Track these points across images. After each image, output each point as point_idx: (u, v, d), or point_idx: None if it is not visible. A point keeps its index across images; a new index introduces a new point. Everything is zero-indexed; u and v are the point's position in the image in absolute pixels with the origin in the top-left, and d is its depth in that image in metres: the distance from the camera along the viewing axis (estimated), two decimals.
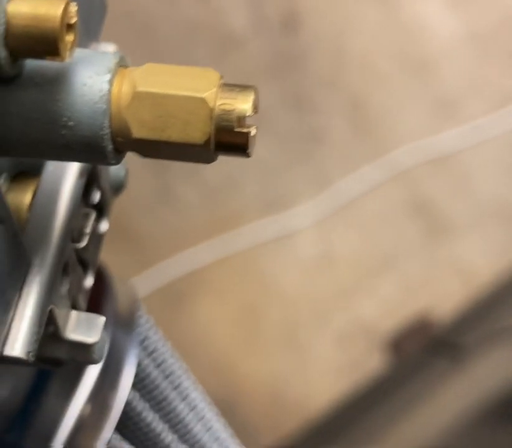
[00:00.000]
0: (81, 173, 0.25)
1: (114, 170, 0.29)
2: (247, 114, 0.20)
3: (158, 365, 0.33)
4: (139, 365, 0.32)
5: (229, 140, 0.20)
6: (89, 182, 0.26)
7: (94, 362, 0.24)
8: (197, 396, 0.34)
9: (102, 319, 0.24)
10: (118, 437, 0.31)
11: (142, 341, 0.32)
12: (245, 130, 0.20)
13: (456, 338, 1.01)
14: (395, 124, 1.15)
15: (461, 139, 1.13)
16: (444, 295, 1.07)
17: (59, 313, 0.23)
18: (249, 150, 0.21)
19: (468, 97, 1.16)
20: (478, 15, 1.19)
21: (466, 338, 0.99)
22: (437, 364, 0.97)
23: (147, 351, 0.32)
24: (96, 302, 0.30)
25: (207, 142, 0.20)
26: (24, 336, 0.22)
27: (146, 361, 0.32)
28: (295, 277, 1.08)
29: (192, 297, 1.05)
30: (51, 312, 0.23)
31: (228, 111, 0.20)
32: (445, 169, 1.13)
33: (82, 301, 0.26)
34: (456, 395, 0.91)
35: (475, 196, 1.12)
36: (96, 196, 0.27)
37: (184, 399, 0.33)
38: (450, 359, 0.95)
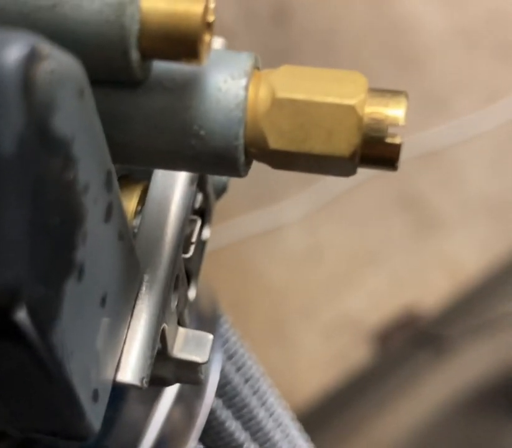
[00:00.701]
0: (192, 180, 0.23)
1: None
2: (400, 124, 0.18)
3: (239, 369, 0.31)
4: (221, 370, 0.30)
5: (378, 152, 0.18)
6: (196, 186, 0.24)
7: (199, 382, 0.22)
8: (274, 400, 0.33)
9: (210, 337, 0.22)
10: (200, 447, 0.29)
11: (223, 343, 0.31)
12: (397, 141, 0.18)
13: (441, 331, 1.01)
14: None
15: (449, 134, 1.13)
16: (431, 289, 1.07)
17: (169, 331, 0.21)
18: (397, 163, 0.19)
19: (456, 92, 1.15)
20: (466, 11, 1.18)
21: (450, 330, 1.00)
22: (421, 356, 0.97)
23: (228, 355, 0.31)
24: None
25: (354, 154, 0.18)
26: (137, 361, 0.20)
27: (228, 366, 0.31)
28: (283, 270, 1.07)
29: None
30: (162, 332, 0.21)
31: (379, 120, 0.18)
32: (433, 164, 1.13)
33: (187, 315, 0.24)
34: (439, 386, 0.91)
35: (463, 192, 1.12)
36: (199, 201, 0.25)
37: (263, 404, 0.32)
38: (433, 352, 0.96)
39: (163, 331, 0.21)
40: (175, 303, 0.22)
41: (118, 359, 0.20)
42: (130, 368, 0.20)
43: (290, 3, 1.14)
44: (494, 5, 1.19)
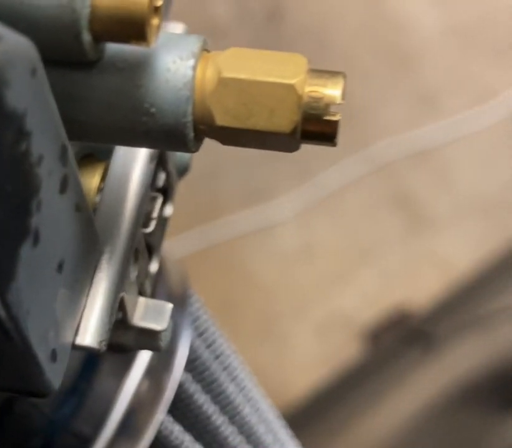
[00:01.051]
0: (152, 157, 0.24)
1: (180, 153, 0.28)
2: (337, 102, 0.20)
3: (208, 346, 0.32)
4: (190, 346, 0.31)
5: (317, 128, 0.20)
6: (156, 165, 0.25)
7: (160, 349, 0.24)
8: (245, 376, 0.34)
9: (170, 306, 0.24)
10: (170, 419, 0.30)
11: (194, 321, 0.32)
12: (334, 118, 0.20)
13: (431, 329, 1.02)
14: (377, 118, 1.15)
15: (442, 133, 1.14)
16: (423, 288, 1.08)
17: (128, 300, 0.23)
18: (336, 139, 0.20)
19: (449, 91, 1.16)
20: (460, 10, 1.19)
21: (440, 328, 1.00)
22: (412, 354, 0.98)
23: (198, 331, 0.32)
24: None
25: (294, 130, 0.20)
26: (96, 326, 0.21)
27: (198, 342, 0.32)
28: (275, 268, 1.08)
29: None
30: (122, 300, 0.22)
31: (317, 98, 0.20)
32: (425, 163, 1.13)
33: (148, 286, 0.26)
34: (428, 383, 0.92)
35: (454, 190, 1.13)
36: (162, 180, 0.27)
37: (233, 379, 0.33)
38: (423, 349, 0.96)
39: (122, 299, 0.22)
40: (135, 274, 0.24)
41: (77, 323, 0.21)
42: (89, 332, 0.21)
43: (284, 1, 1.16)
44: (487, 4, 1.20)
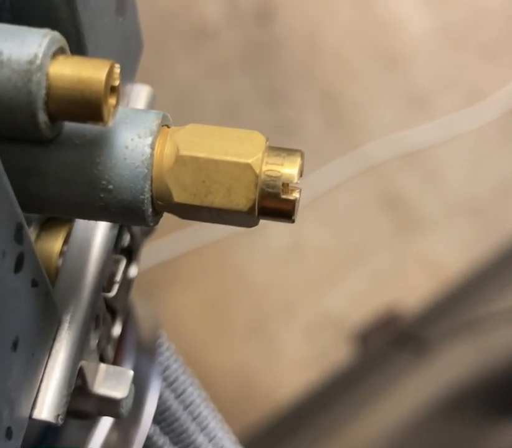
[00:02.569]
0: (114, 224, 0.24)
1: None
2: (294, 181, 0.20)
3: (178, 396, 0.32)
4: (159, 397, 0.31)
5: (274, 206, 0.20)
6: (120, 227, 0.25)
7: (121, 416, 0.24)
8: (215, 424, 0.34)
9: (130, 373, 0.23)
10: None
11: (163, 371, 0.32)
12: (291, 197, 0.20)
13: (421, 332, 1.02)
14: (367, 118, 1.15)
15: (432, 133, 1.13)
16: (412, 289, 1.08)
17: (88, 368, 0.23)
18: (294, 217, 0.20)
19: (439, 92, 1.16)
20: (450, 11, 1.19)
21: (430, 331, 1.00)
22: (402, 357, 0.98)
23: (168, 382, 0.32)
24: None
25: (252, 208, 0.20)
26: (53, 399, 0.21)
27: (167, 393, 0.32)
28: (265, 268, 1.08)
29: (162, 287, 1.04)
30: (80, 369, 0.22)
31: (275, 177, 0.20)
32: (415, 163, 1.13)
33: (110, 351, 0.25)
34: (419, 387, 0.92)
35: (445, 191, 1.13)
36: (126, 241, 0.27)
37: (203, 429, 0.33)
38: (414, 352, 0.96)
39: (82, 368, 0.22)
40: (96, 341, 0.24)
41: (33, 397, 0.21)
42: (46, 405, 0.21)
43: (275, 2, 1.15)
44: (478, 5, 1.19)
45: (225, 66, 1.12)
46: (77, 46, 0.22)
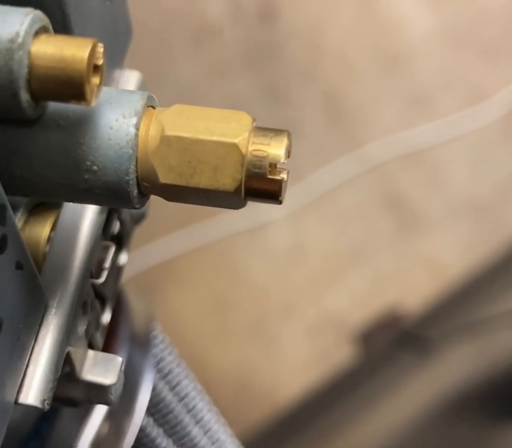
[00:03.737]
0: (102, 208, 0.24)
1: None
2: (281, 161, 0.19)
3: (173, 388, 0.32)
4: (153, 389, 0.31)
5: (261, 187, 0.19)
6: (109, 213, 0.25)
7: (111, 403, 0.23)
8: (210, 417, 0.34)
9: (119, 360, 0.23)
10: None
11: (157, 363, 0.32)
12: (278, 177, 0.19)
13: (423, 332, 1.02)
14: (369, 118, 1.14)
15: (434, 133, 1.13)
16: (414, 289, 1.07)
17: (76, 354, 0.22)
18: (281, 197, 0.20)
19: (441, 92, 1.16)
20: (452, 12, 1.19)
21: (433, 332, 1.00)
22: (404, 358, 0.97)
23: (162, 374, 0.32)
24: (112, 321, 0.30)
25: (238, 189, 0.19)
26: (39, 384, 0.21)
27: (161, 385, 0.32)
28: (266, 268, 1.07)
29: (163, 286, 1.04)
30: (68, 355, 0.22)
31: (261, 157, 0.19)
32: (417, 163, 1.13)
33: (99, 338, 0.25)
34: (421, 388, 0.91)
35: (446, 191, 1.13)
36: (116, 228, 0.26)
37: (198, 422, 0.33)
38: (416, 353, 0.96)
39: (69, 354, 0.22)
40: (84, 327, 0.24)
41: (19, 381, 0.21)
42: (32, 390, 0.21)
43: (277, 1, 1.15)
44: (478, 5, 1.19)
45: (227, 65, 1.12)
46: (63, 28, 0.21)
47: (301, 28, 1.15)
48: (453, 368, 0.92)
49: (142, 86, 0.26)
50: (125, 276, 1.04)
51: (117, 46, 0.24)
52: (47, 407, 0.21)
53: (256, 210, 1.08)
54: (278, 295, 1.07)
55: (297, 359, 1.05)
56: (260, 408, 1.01)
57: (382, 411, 0.92)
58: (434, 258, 1.09)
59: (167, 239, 1.05)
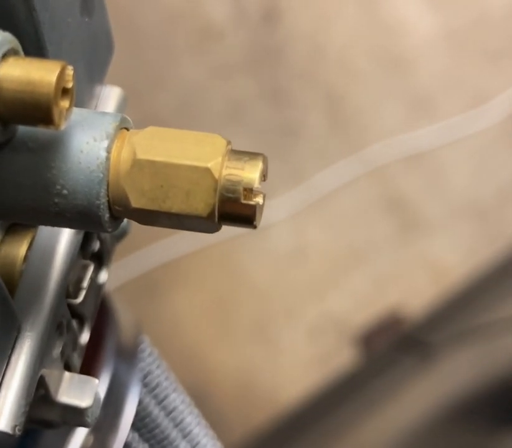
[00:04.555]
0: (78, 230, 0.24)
1: None
2: (255, 186, 0.19)
3: (160, 402, 0.32)
4: (140, 403, 0.30)
5: (235, 212, 0.19)
6: (88, 232, 0.25)
7: (88, 426, 0.23)
8: (199, 431, 0.33)
9: (95, 382, 0.23)
10: None
11: (145, 377, 0.31)
12: (251, 202, 0.19)
13: (426, 336, 1.01)
14: (371, 120, 1.14)
15: (436, 136, 1.13)
16: (415, 292, 1.07)
17: (50, 377, 0.22)
18: (256, 222, 0.19)
19: (443, 95, 1.15)
20: (455, 14, 1.18)
21: (436, 336, 0.99)
22: (406, 362, 0.97)
23: (149, 388, 0.31)
24: (99, 334, 0.29)
25: (211, 214, 0.19)
26: (10, 409, 0.21)
27: (148, 399, 0.31)
28: (268, 269, 1.07)
29: (165, 288, 1.04)
30: (41, 378, 0.22)
31: (235, 181, 0.19)
32: (419, 166, 1.13)
33: (77, 359, 0.25)
34: (423, 393, 0.91)
35: (448, 193, 1.12)
36: (96, 246, 0.26)
37: (185, 436, 0.33)
38: (418, 357, 0.95)
39: (43, 377, 0.22)
40: (59, 349, 0.23)
41: None
42: (3, 416, 0.20)
43: (280, 3, 1.15)
44: (482, 8, 1.18)
45: (230, 67, 1.11)
46: (37, 47, 0.21)
47: (304, 31, 1.15)
48: (455, 372, 0.92)
49: (123, 102, 0.25)
50: (126, 278, 1.04)
51: (96, 62, 0.24)
52: (18, 433, 0.21)
53: None
54: (280, 297, 1.06)
55: (298, 361, 1.04)
56: (261, 410, 1.01)
57: (384, 414, 0.91)
58: (436, 261, 1.09)
59: (168, 240, 1.05)
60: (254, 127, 1.09)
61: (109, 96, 0.25)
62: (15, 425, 0.21)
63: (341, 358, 1.03)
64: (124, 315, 0.33)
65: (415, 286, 1.08)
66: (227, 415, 1.01)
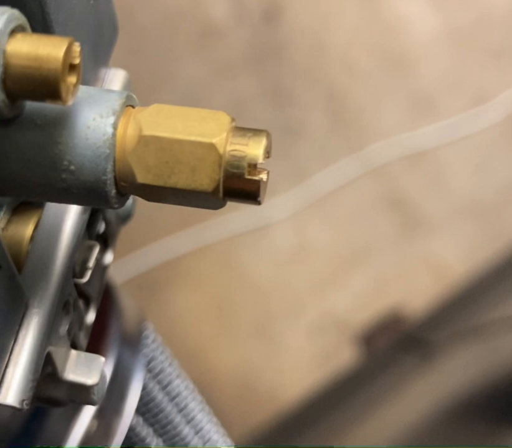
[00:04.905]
0: (85, 208, 0.24)
1: None
2: (259, 161, 0.19)
3: (164, 387, 0.32)
4: (144, 388, 0.31)
5: (239, 187, 0.19)
6: (94, 213, 0.25)
7: (94, 403, 0.23)
8: (202, 417, 0.34)
9: (102, 360, 0.23)
10: None
11: (148, 362, 0.32)
12: (256, 177, 0.19)
13: (427, 335, 1.01)
14: (373, 119, 1.14)
15: (437, 135, 1.13)
16: (416, 291, 1.07)
17: (57, 354, 0.22)
18: (260, 198, 0.20)
19: (445, 94, 1.15)
20: (457, 13, 1.18)
21: (437, 335, 0.99)
22: (407, 360, 0.97)
23: (153, 373, 0.32)
24: (103, 320, 0.29)
25: (216, 189, 0.19)
26: (18, 384, 0.21)
27: (152, 384, 0.32)
28: (269, 268, 1.07)
29: (167, 286, 1.04)
30: (48, 355, 0.22)
31: (239, 157, 0.19)
32: (420, 165, 1.13)
33: (83, 338, 0.25)
34: (424, 392, 0.91)
35: (449, 193, 1.12)
36: (101, 227, 0.26)
37: (189, 421, 0.33)
38: (419, 356, 0.95)
39: (50, 354, 0.22)
40: (66, 327, 0.23)
41: None
42: (11, 390, 0.21)
43: (282, 2, 1.15)
44: (484, 7, 1.19)
45: (231, 65, 1.12)
46: (43, 27, 0.21)
47: (305, 29, 1.15)
48: (456, 370, 0.92)
49: (127, 84, 0.26)
50: (128, 276, 1.04)
51: (101, 45, 0.24)
52: (25, 407, 0.21)
53: (258, 210, 1.08)
54: (281, 296, 1.06)
55: (300, 360, 1.04)
56: (262, 409, 1.01)
57: (385, 413, 0.91)
58: (437, 260, 1.09)
59: (170, 239, 1.05)
60: (255, 126, 1.08)
61: (114, 79, 0.25)
62: (23, 400, 0.21)
63: (342, 356, 1.03)
64: (127, 301, 0.34)
65: (416, 285, 1.08)
66: (228, 414, 1.01)
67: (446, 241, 1.10)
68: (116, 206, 0.20)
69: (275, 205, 1.08)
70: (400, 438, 0.87)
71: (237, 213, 1.07)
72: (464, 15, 1.18)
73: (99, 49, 0.24)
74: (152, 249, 1.04)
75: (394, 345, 1.03)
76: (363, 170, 1.11)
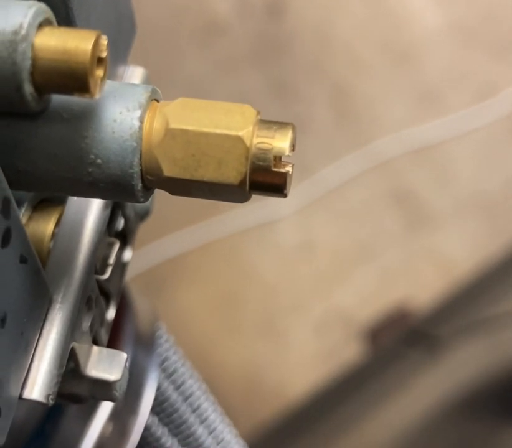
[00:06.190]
0: (107, 204, 0.24)
1: None
2: (285, 154, 0.19)
3: (178, 387, 0.32)
4: (158, 388, 0.31)
5: (265, 180, 0.19)
6: (114, 209, 0.25)
7: (115, 400, 0.23)
8: (216, 417, 0.34)
9: (124, 356, 0.23)
10: None
11: (162, 362, 0.32)
12: (282, 170, 0.19)
13: (433, 329, 1.01)
14: (378, 114, 1.14)
15: (443, 129, 1.13)
16: (422, 286, 1.07)
17: (80, 349, 0.22)
18: (286, 191, 0.20)
19: (451, 88, 1.15)
20: (462, 6, 1.18)
21: (443, 329, 0.99)
22: (413, 355, 0.97)
23: (167, 373, 0.32)
24: (117, 320, 0.29)
25: (242, 182, 0.19)
26: (44, 379, 0.21)
27: (166, 384, 0.32)
28: (275, 264, 1.07)
29: (173, 283, 1.04)
30: (72, 350, 0.22)
31: (266, 150, 0.19)
32: (426, 160, 1.13)
33: (104, 334, 0.25)
34: (431, 386, 0.91)
35: (455, 188, 1.12)
36: (120, 224, 0.26)
37: (202, 421, 0.33)
38: (425, 351, 0.95)
39: (73, 350, 0.22)
40: (88, 323, 0.23)
41: (23, 376, 0.21)
42: (36, 385, 0.21)
43: None
44: (490, 1, 1.18)
45: (235, 60, 1.11)
46: (66, 22, 0.21)
47: (309, 24, 1.15)
48: (463, 365, 0.92)
49: (147, 81, 0.26)
50: (134, 273, 1.04)
51: (121, 42, 0.24)
52: (51, 402, 0.21)
53: (264, 206, 1.08)
54: (286, 292, 1.06)
55: (305, 356, 1.04)
56: (268, 405, 1.01)
57: (391, 409, 0.91)
58: (443, 255, 1.09)
59: (175, 235, 1.05)
60: None
61: (133, 76, 0.26)
62: (49, 395, 0.21)
63: (348, 352, 1.03)
64: (141, 301, 0.34)
65: (422, 280, 1.08)
66: (234, 409, 1.01)
67: (452, 236, 1.10)
68: (141, 200, 0.20)
69: (281, 201, 1.08)
70: (407, 433, 0.88)
71: (242, 209, 1.07)
72: (471, 9, 1.18)
73: (118, 46, 0.24)
74: (158, 245, 1.04)
75: (400, 340, 1.03)
76: (369, 166, 1.11)
